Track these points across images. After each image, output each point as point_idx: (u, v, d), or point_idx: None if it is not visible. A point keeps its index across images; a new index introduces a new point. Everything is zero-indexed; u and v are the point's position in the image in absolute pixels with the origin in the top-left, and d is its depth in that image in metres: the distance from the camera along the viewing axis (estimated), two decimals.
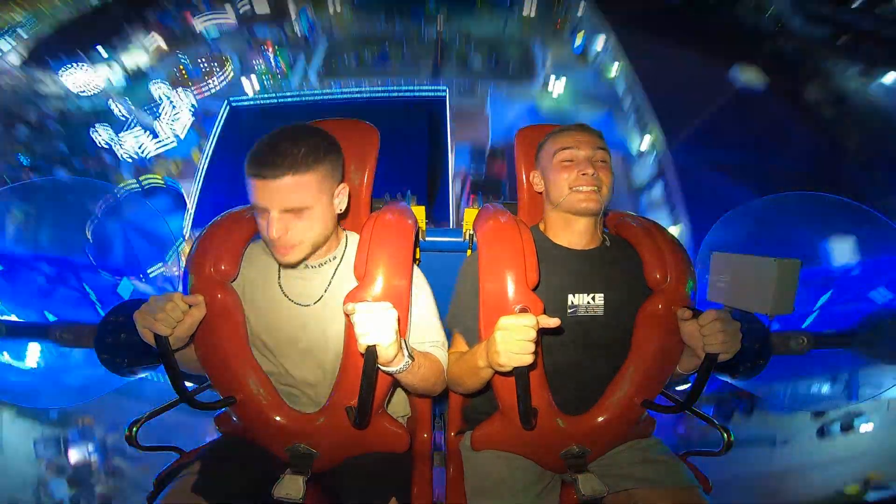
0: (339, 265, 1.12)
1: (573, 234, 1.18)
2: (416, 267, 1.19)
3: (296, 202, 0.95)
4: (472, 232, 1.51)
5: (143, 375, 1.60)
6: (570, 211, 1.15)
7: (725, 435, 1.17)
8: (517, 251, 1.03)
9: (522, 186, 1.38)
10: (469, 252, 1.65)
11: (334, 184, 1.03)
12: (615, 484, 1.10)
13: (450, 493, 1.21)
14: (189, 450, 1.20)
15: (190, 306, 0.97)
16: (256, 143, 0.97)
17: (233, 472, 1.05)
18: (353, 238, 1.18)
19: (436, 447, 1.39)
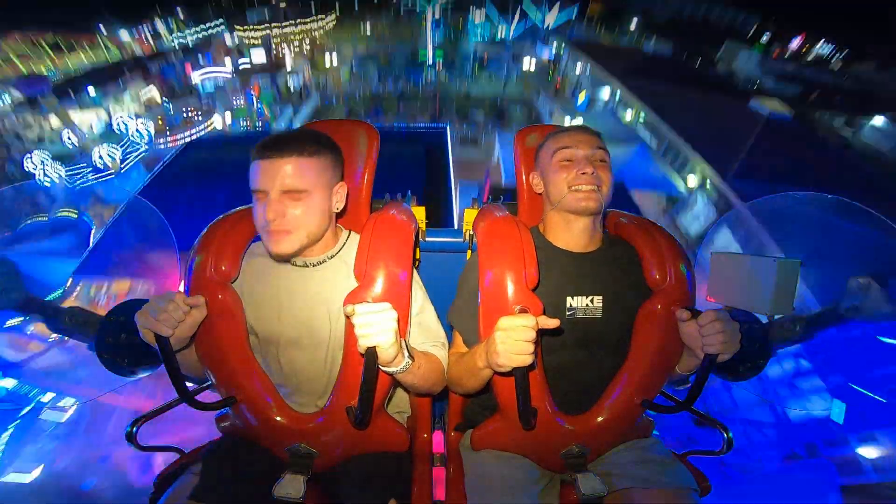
0: (338, 264, 1.12)
1: (572, 235, 1.18)
2: (413, 270, 1.19)
3: (296, 184, 0.98)
4: (472, 232, 1.51)
5: (143, 375, 1.60)
6: (569, 210, 1.15)
7: (725, 434, 1.17)
8: (517, 251, 1.03)
9: (522, 187, 1.38)
10: (469, 252, 1.65)
11: (334, 179, 1.06)
12: (614, 484, 1.10)
13: (449, 492, 1.21)
14: (189, 450, 1.20)
15: (191, 307, 0.97)
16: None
17: (233, 472, 1.05)
18: (354, 237, 1.17)
19: (436, 447, 1.39)
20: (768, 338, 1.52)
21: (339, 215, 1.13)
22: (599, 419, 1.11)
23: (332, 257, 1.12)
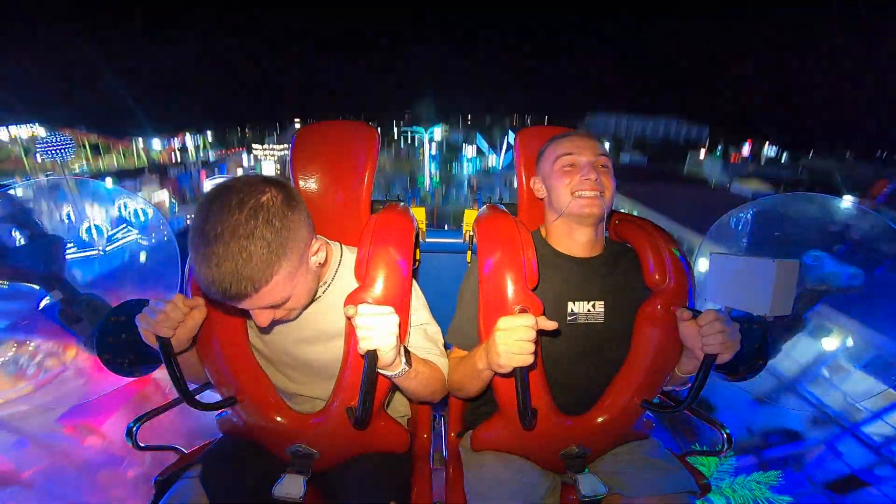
0: (328, 288, 1.08)
1: (575, 242, 1.18)
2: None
3: (271, 302, 0.86)
4: (471, 233, 1.52)
5: (143, 375, 1.60)
6: (573, 216, 1.14)
7: (725, 434, 1.17)
8: (516, 251, 1.03)
9: (522, 188, 1.38)
10: (469, 253, 1.65)
11: (305, 253, 0.90)
12: (614, 485, 1.10)
13: (449, 493, 1.21)
14: (189, 450, 1.20)
15: (191, 308, 0.97)
16: (194, 245, 0.78)
17: (233, 472, 1.05)
18: (338, 253, 1.12)
19: (436, 448, 1.39)
20: (768, 336, 1.52)
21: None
22: (599, 419, 1.11)
23: (324, 283, 1.08)
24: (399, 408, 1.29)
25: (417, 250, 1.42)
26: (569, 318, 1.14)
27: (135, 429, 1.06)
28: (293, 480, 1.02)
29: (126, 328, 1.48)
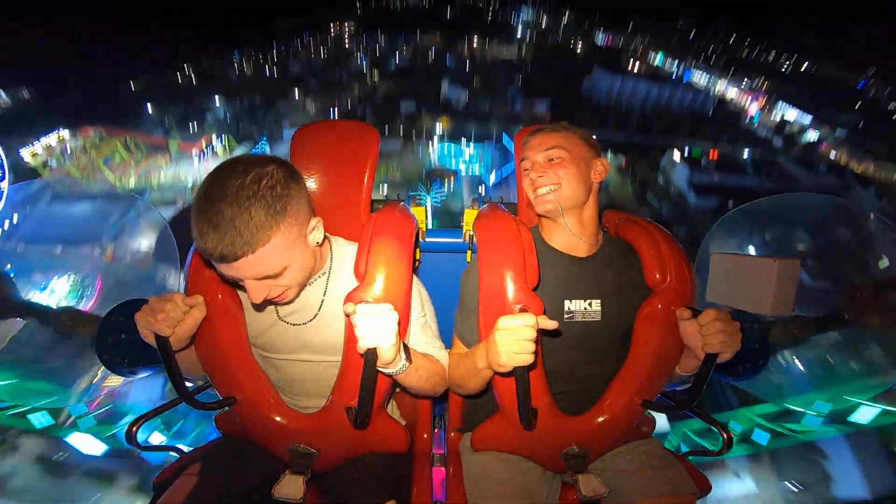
0: (328, 279, 1.09)
1: (563, 235, 1.18)
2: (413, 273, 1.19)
3: (267, 271, 0.86)
4: (471, 232, 1.51)
5: (143, 375, 1.61)
6: (540, 213, 1.19)
7: (725, 435, 1.17)
8: (517, 251, 1.03)
9: (522, 187, 1.38)
10: (469, 253, 1.65)
11: (303, 226, 0.91)
12: (614, 485, 1.10)
13: (450, 493, 1.21)
14: (189, 450, 1.20)
15: (190, 307, 0.97)
16: (196, 204, 0.81)
17: (232, 472, 1.05)
18: (340, 247, 1.13)
19: (436, 448, 1.39)
20: (769, 338, 1.52)
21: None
22: (600, 419, 1.11)
23: (322, 273, 1.09)
24: (393, 416, 1.28)
25: (417, 250, 1.42)
26: (566, 316, 1.14)
27: (135, 429, 1.06)
28: (293, 480, 1.01)
29: (126, 328, 1.49)
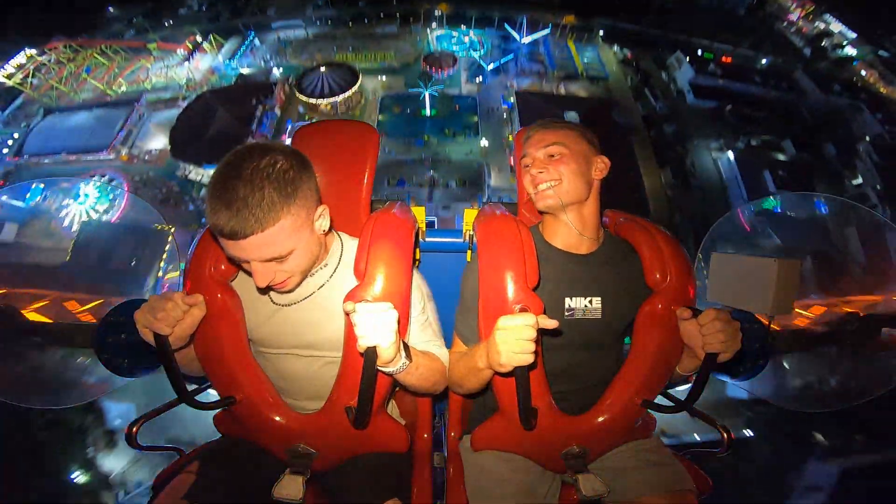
0: (333, 271, 1.10)
1: (564, 233, 1.18)
2: (414, 269, 1.19)
3: (274, 253, 0.89)
4: (471, 232, 1.51)
5: (143, 376, 1.61)
6: (540, 209, 1.18)
7: (725, 434, 1.17)
8: (517, 251, 1.03)
9: (522, 187, 1.38)
10: (469, 253, 1.65)
11: (311, 212, 0.95)
12: (615, 485, 1.10)
13: (450, 493, 1.21)
14: (189, 450, 1.19)
15: (190, 306, 0.97)
16: (211, 185, 0.85)
17: (232, 472, 1.05)
18: (349, 242, 1.15)
19: (436, 447, 1.39)
20: (769, 340, 1.52)
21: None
22: (600, 419, 1.11)
23: (324, 265, 1.10)
24: (394, 414, 1.29)
25: (417, 250, 1.41)
26: (566, 314, 1.14)
27: (135, 430, 1.06)
28: (292, 480, 1.01)
29: (126, 328, 1.48)
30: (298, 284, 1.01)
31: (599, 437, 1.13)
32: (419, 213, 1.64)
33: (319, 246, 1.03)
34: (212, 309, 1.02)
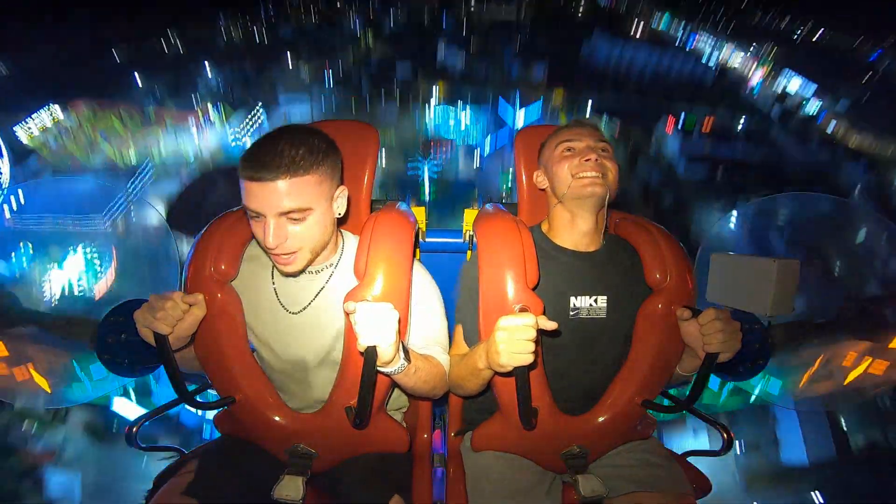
0: (333, 272, 1.10)
1: (577, 231, 1.17)
2: (422, 266, 1.19)
3: (293, 205, 0.91)
4: (471, 232, 1.51)
5: (143, 376, 1.61)
6: (576, 198, 1.13)
7: (725, 435, 1.17)
8: (517, 251, 1.03)
9: (522, 187, 1.38)
10: (469, 253, 1.65)
11: (333, 186, 0.99)
12: (615, 485, 1.10)
13: (450, 493, 1.21)
14: (189, 450, 1.20)
15: (190, 306, 0.97)
16: (253, 143, 0.94)
17: (231, 472, 1.05)
18: (351, 241, 1.16)
19: (436, 447, 1.39)
20: (769, 339, 1.52)
21: (340, 220, 1.09)
22: (600, 419, 1.11)
23: (329, 264, 1.11)
24: (398, 402, 1.28)
25: (417, 250, 1.41)
26: (571, 313, 1.14)
27: (135, 430, 1.06)
28: (292, 481, 1.01)
29: (126, 328, 1.49)
30: (304, 268, 1.01)
31: (599, 438, 1.13)
32: (419, 212, 1.64)
33: (332, 227, 1.04)
34: (212, 309, 1.02)
